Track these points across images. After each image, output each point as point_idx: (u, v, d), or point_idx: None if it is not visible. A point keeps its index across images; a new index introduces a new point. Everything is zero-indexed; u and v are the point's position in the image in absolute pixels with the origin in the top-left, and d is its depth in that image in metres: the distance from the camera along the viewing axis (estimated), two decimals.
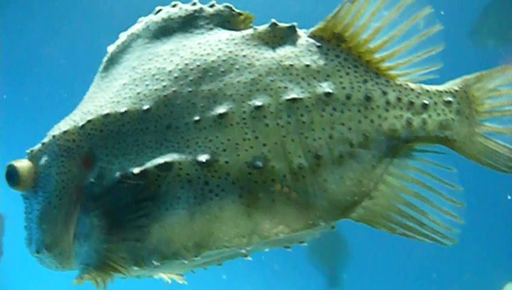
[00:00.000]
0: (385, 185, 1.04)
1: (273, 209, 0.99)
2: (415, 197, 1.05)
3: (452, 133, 1.08)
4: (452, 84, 1.12)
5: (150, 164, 1.01)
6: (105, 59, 1.23)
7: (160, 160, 1.01)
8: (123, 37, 1.22)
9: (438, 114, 1.08)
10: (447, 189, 1.06)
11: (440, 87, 1.11)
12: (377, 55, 1.09)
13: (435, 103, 1.09)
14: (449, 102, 1.10)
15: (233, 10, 1.17)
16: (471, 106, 1.10)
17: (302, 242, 1.10)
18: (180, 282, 1.23)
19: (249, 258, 1.12)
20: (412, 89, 1.09)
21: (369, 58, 1.09)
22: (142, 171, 1.01)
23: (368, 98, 1.06)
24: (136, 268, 1.03)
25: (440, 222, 1.05)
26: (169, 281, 1.23)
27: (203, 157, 1.00)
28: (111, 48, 1.23)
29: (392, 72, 1.10)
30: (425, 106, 1.08)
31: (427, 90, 1.10)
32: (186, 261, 1.01)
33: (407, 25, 1.08)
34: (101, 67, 1.23)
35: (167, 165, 1.00)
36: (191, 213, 0.99)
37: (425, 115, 1.07)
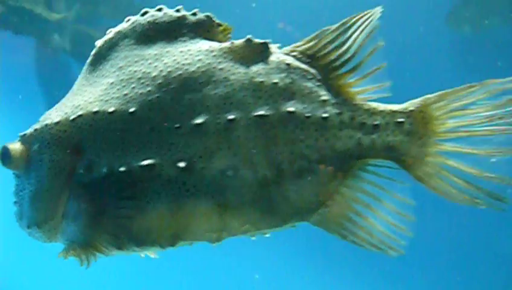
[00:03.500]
0: (339, 195, 1.16)
1: (242, 210, 1.13)
2: (366, 208, 1.16)
3: (400, 154, 1.16)
4: (409, 104, 1.18)
5: (135, 163, 1.12)
6: (93, 52, 1.30)
7: (145, 161, 1.12)
8: (111, 33, 1.29)
9: (387, 135, 1.16)
10: (399, 202, 1.15)
11: (395, 107, 1.18)
12: (340, 72, 1.19)
13: (387, 124, 1.17)
14: (401, 123, 1.16)
15: (213, 20, 1.24)
16: (427, 127, 1.16)
17: (265, 233, 1.22)
18: (152, 256, 1.34)
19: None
20: (366, 109, 1.18)
21: (333, 75, 1.19)
22: (127, 170, 1.12)
23: (325, 118, 1.16)
24: (117, 251, 1.17)
25: (388, 233, 1.16)
26: (143, 255, 1.33)
27: (182, 163, 1.11)
28: (99, 43, 1.29)
29: (353, 90, 1.19)
30: (376, 127, 1.16)
31: (381, 111, 1.17)
32: (162, 249, 1.15)
33: (369, 44, 1.17)
34: (89, 59, 1.30)
35: (151, 167, 1.12)
36: (169, 208, 1.12)
37: (374, 136, 1.16)
